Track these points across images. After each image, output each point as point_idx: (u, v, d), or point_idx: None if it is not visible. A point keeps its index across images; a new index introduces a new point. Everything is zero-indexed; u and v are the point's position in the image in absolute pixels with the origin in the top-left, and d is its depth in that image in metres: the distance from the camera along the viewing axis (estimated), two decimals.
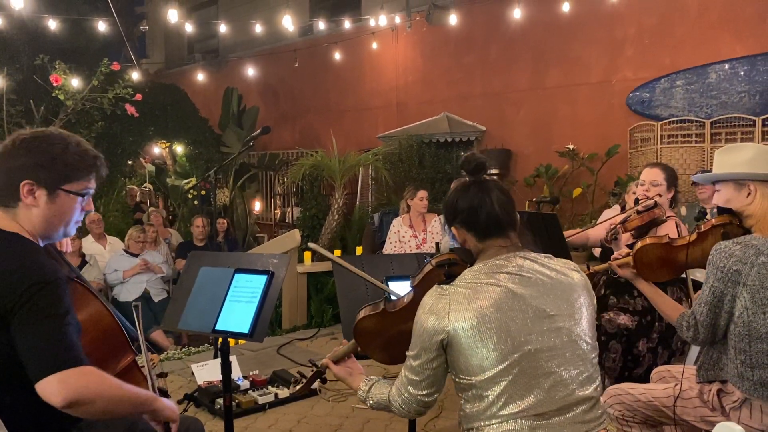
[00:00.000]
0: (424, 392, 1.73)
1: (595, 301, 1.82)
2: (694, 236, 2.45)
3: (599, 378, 1.73)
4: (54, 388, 1.52)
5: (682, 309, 2.31)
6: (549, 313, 1.65)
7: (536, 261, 1.73)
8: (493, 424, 1.61)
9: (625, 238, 3.39)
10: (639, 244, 2.55)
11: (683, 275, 2.79)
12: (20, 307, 1.57)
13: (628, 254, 2.59)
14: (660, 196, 3.32)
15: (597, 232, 3.70)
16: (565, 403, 1.63)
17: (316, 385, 4.09)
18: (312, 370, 2.11)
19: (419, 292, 1.85)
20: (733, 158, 2.26)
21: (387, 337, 1.95)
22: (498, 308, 1.61)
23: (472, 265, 1.76)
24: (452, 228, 1.83)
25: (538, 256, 1.75)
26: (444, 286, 1.68)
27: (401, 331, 1.88)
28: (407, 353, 1.74)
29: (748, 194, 2.21)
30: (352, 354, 2.08)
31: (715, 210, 2.53)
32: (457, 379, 1.68)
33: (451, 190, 1.87)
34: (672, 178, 3.40)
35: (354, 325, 1.97)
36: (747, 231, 2.23)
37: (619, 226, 3.30)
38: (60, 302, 1.61)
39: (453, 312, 1.62)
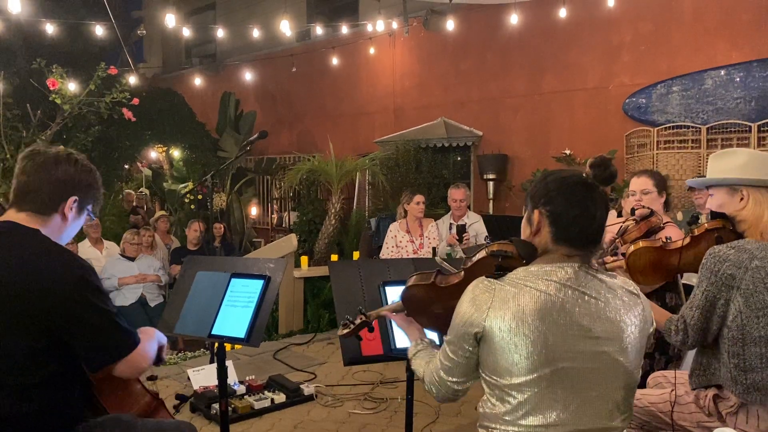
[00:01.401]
0: (455, 379, 1.69)
1: (652, 329, 1.72)
2: (687, 240, 2.45)
3: (630, 411, 1.65)
4: (124, 371, 1.79)
5: (669, 314, 2.30)
6: (594, 335, 1.56)
7: (596, 278, 1.62)
8: (510, 431, 1.58)
9: (626, 250, 3.38)
10: (632, 248, 2.54)
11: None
12: (72, 303, 1.69)
13: (617, 259, 2.59)
14: (657, 198, 3.32)
15: None
16: (587, 427, 1.57)
17: (312, 390, 4.09)
18: (360, 317, 2.13)
19: (469, 275, 1.85)
20: (727, 163, 2.28)
21: (431, 307, 2.00)
22: (541, 318, 1.53)
23: (528, 261, 1.67)
24: (535, 210, 1.66)
25: (601, 272, 1.65)
26: (492, 280, 1.62)
27: (445, 305, 1.90)
28: (446, 338, 1.72)
29: (741, 199, 2.22)
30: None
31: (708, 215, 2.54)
32: (484, 375, 1.64)
33: (560, 174, 1.67)
34: (661, 183, 3.40)
35: (404, 289, 2.04)
36: (740, 235, 2.23)
37: (618, 239, 3.28)
38: (102, 290, 1.79)
39: (493, 309, 1.56)
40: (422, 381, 1.83)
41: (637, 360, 1.64)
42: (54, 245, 1.79)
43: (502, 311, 1.55)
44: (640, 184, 3.38)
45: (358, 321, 2.11)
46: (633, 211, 3.33)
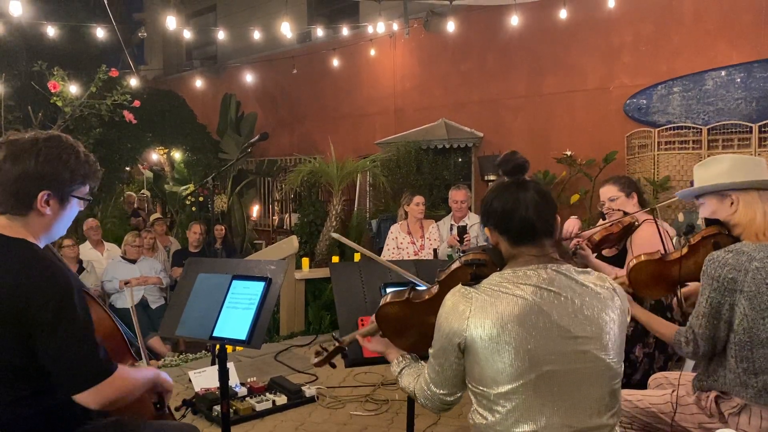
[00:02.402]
0: (445, 392, 1.69)
1: (628, 319, 1.72)
2: (685, 250, 2.46)
3: (618, 405, 1.66)
4: (90, 399, 1.66)
5: (676, 327, 2.30)
6: (574, 335, 1.57)
7: (569, 276, 1.63)
8: None
9: (606, 252, 3.39)
10: (632, 263, 2.55)
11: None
12: (43, 322, 1.59)
13: (621, 275, 2.59)
14: (627, 200, 3.35)
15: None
16: (578, 428, 1.57)
17: (314, 392, 4.09)
18: (334, 345, 2.07)
19: (444, 288, 1.82)
20: (711, 171, 2.30)
21: (408, 326, 1.94)
22: (520, 323, 1.53)
23: (501, 268, 1.69)
24: (486, 228, 1.74)
25: (572, 269, 1.66)
26: (468, 289, 1.62)
27: (422, 322, 1.87)
28: (430, 351, 1.71)
29: (731, 204, 2.24)
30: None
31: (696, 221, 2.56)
32: (470, 386, 1.64)
33: (488, 191, 1.76)
34: (627, 185, 3.41)
35: (377, 310, 1.97)
36: (736, 239, 2.24)
37: (585, 241, 3.26)
38: (78, 312, 1.65)
39: (473, 318, 1.56)
40: (414, 397, 1.82)
41: (619, 354, 1.65)
42: (38, 261, 1.67)
43: (481, 319, 1.55)
44: (605, 192, 3.45)
45: (331, 348, 2.07)
46: (603, 216, 3.36)
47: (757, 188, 2.21)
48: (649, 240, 3.03)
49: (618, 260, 3.33)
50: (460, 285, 1.66)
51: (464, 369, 1.64)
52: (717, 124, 6.45)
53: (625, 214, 3.24)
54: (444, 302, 1.66)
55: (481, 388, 1.59)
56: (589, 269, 1.72)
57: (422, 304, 1.91)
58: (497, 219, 1.69)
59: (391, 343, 2.00)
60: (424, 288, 1.99)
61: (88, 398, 1.65)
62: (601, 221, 3.59)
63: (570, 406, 1.56)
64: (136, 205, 10.90)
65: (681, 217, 5.37)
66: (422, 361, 1.92)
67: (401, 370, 1.90)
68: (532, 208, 1.64)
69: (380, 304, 1.97)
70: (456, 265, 1.86)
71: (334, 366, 2.12)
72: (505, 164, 1.72)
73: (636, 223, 3.24)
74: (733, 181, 2.22)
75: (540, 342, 1.54)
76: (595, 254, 3.31)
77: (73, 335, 1.63)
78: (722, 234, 2.32)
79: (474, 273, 1.68)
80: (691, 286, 2.60)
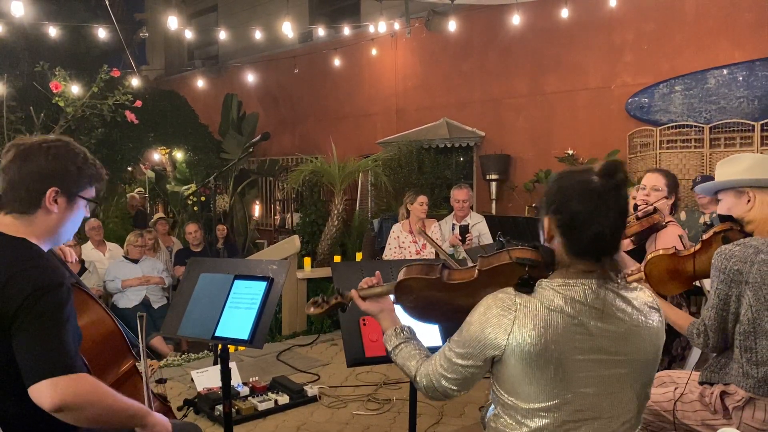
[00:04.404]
0: (454, 387, 1.62)
1: (664, 338, 1.65)
2: (698, 246, 2.48)
3: (640, 425, 1.64)
4: (44, 393, 1.54)
5: (692, 319, 2.33)
6: (616, 358, 1.52)
7: (619, 295, 1.54)
8: None
9: (625, 243, 3.38)
10: (648, 257, 2.56)
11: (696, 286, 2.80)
12: (22, 311, 1.57)
13: (638, 270, 2.61)
14: (666, 198, 3.32)
15: None
16: None
17: (316, 391, 4.09)
18: (336, 298, 1.96)
19: (484, 278, 1.69)
20: (732, 168, 2.33)
21: (428, 300, 1.83)
22: (565, 343, 1.47)
23: (550, 268, 1.58)
24: (545, 216, 1.56)
25: (621, 288, 1.57)
26: (514, 299, 1.51)
27: (445, 300, 1.79)
28: (453, 347, 1.60)
29: (748, 201, 2.27)
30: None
31: (716, 216, 2.58)
32: (499, 394, 1.57)
33: (572, 179, 1.54)
34: (673, 184, 3.41)
35: (399, 280, 1.84)
36: (748, 235, 2.27)
37: None
38: (62, 308, 1.61)
39: (516, 331, 1.47)
40: (411, 378, 1.72)
41: (652, 376, 1.62)
42: (33, 258, 1.66)
43: (525, 333, 1.47)
44: (652, 180, 3.38)
45: (333, 301, 1.96)
46: (636, 207, 3.34)
47: None
48: (674, 241, 3.03)
49: (633, 255, 3.31)
50: (507, 292, 1.55)
51: (485, 372, 1.57)
52: (719, 122, 6.44)
53: (655, 210, 3.22)
54: (484, 303, 1.55)
55: (512, 399, 1.53)
56: (636, 285, 1.64)
57: (454, 286, 1.78)
58: (568, 222, 1.51)
59: (392, 305, 1.89)
60: (457, 268, 1.85)
61: (42, 392, 1.53)
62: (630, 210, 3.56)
63: (598, 426, 1.53)
64: (140, 206, 10.90)
65: (683, 215, 5.37)
66: (419, 340, 1.81)
67: (399, 344, 1.78)
68: (610, 228, 1.49)
69: (405, 274, 1.83)
70: (505, 259, 1.69)
71: (331, 318, 2.07)
72: (609, 176, 1.50)
73: (663, 222, 3.24)
74: (751, 178, 2.25)
75: (581, 364, 1.49)
76: None
77: (47, 326, 1.57)
78: (734, 229, 2.36)
79: (525, 277, 1.55)
80: None
